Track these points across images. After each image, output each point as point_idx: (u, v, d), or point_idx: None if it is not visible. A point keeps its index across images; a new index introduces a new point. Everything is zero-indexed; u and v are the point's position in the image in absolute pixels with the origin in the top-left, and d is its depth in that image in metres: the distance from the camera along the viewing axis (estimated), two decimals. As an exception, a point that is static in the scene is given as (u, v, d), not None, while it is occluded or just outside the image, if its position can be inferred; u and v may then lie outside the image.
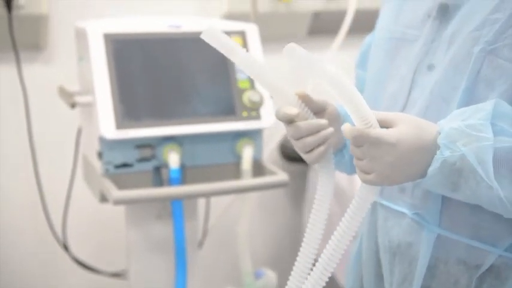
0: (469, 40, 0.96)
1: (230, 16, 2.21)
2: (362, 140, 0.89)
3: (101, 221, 2.15)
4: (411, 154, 0.90)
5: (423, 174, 0.92)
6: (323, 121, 0.97)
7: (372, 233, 1.15)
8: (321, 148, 0.98)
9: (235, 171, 1.72)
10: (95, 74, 1.59)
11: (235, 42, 0.92)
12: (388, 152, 0.89)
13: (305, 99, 0.98)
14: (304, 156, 1.02)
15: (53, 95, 1.97)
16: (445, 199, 0.99)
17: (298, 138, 0.99)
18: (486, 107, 0.91)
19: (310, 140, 0.97)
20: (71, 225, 2.06)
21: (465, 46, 0.96)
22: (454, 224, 1.00)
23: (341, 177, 2.30)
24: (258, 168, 1.74)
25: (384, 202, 1.10)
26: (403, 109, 1.06)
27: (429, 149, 0.91)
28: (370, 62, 1.18)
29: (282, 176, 1.68)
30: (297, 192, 2.51)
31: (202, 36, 0.91)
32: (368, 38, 1.26)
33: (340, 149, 1.12)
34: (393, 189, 1.07)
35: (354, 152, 0.92)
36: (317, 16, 2.41)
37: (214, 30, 0.91)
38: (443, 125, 0.92)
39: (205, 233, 2.19)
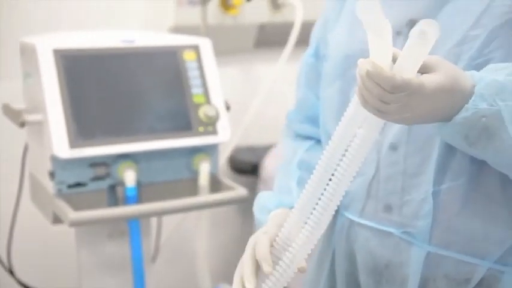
0: (451, 56, 0.96)
1: (177, 29, 2.18)
2: (404, 88, 0.82)
3: (48, 243, 2.08)
4: (444, 102, 0.86)
5: (446, 119, 0.89)
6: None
7: (348, 255, 1.12)
8: None
9: (192, 187, 1.70)
10: (45, 92, 1.53)
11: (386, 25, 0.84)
12: (424, 100, 0.84)
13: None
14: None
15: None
16: (435, 215, 0.99)
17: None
18: None
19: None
20: (16, 248, 1.97)
21: None
22: (445, 239, 0.99)
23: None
24: (215, 183, 1.72)
25: (365, 222, 1.08)
26: (383, 126, 1.05)
27: (462, 97, 0.87)
28: (329, 82, 1.14)
29: (240, 191, 1.67)
30: (246, 203, 2.51)
31: (357, 7, 0.84)
32: (307, 58, 1.23)
33: None
34: (377, 209, 1.05)
35: (382, 96, 0.83)
36: (263, 28, 2.42)
37: (371, 4, 0.84)
38: (483, 76, 0.88)
39: (157, 249, 2.15)
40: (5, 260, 1.95)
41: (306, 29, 2.25)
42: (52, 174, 1.57)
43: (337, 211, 1.17)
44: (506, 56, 0.92)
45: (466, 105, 0.87)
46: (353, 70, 1.08)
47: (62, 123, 1.53)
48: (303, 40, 2.27)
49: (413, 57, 0.84)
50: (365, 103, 0.87)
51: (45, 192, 1.64)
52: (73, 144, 1.53)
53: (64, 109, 1.54)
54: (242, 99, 2.35)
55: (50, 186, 1.59)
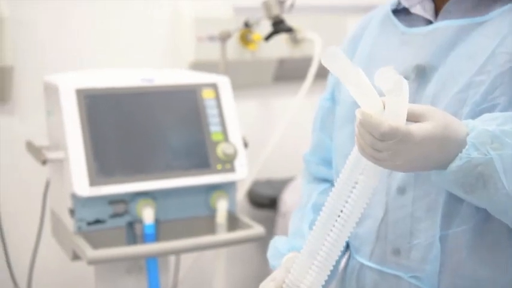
0: (456, 101, 0.97)
1: (197, 66, 2.22)
2: (393, 137, 0.85)
3: (68, 278, 2.09)
4: (435, 151, 0.88)
5: (439, 168, 0.90)
6: None
7: None
8: None
9: (210, 225, 1.71)
10: (67, 130, 1.56)
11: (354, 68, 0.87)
12: (413, 148, 0.86)
13: None
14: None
15: (17, 147, 1.93)
16: (443, 260, 0.99)
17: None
18: None
19: None
20: (36, 283, 1.99)
21: (452, 107, 0.97)
22: (453, 284, 0.99)
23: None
24: (232, 221, 1.73)
25: (374, 265, 1.08)
26: (390, 173, 1.06)
27: (454, 147, 0.88)
28: (340, 126, 1.15)
29: (257, 229, 1.67)
30: (264, 240, 2.51)
31: (322, 58, 0.87)
32: (323, 102, 1.25)
33: None
34: (386, 253, 1.05)
35: (374, 143, 0.86)
36: (282, 63, 2.44)
37: (335, 52, 0.87)
38: (475, 125, 0.90)
39: (175, 285, 2.15)
40: (25, 294, 1.98)
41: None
42: (72, 212, 1.59)
43: (349, 254, 1.17)
44: (510, 103, 0.93)
45: (459, 154, 0.88)
46: None
47: (83, 161, 1.55)
48: (322, 74, 2.29)
49: (398, 105, 0.86)
50: (362, 151, 0.90)
51: (65, 229, 1.66)
52: (93, 182, 1.55)
53: (85, 147, 1.56)
54: (261, 133, 2.36)
55: (69, 223, 1.61)
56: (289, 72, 2.44)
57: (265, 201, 2.41)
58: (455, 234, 0.98)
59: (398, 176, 1.03)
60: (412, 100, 1.03)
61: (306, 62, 2.27)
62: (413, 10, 1.07)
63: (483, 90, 0.95)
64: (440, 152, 0.88)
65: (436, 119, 0.87)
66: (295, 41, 2.38)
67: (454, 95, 0.97)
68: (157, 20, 2.25)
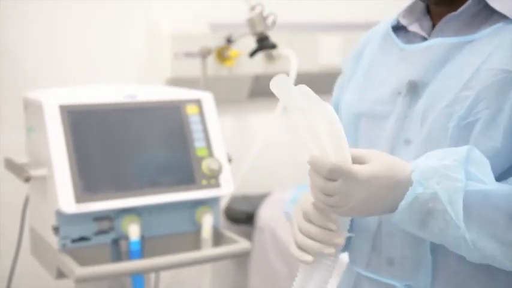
0: (443, 116, 1.01)
1: (174, 82, 2.22)
2: (338, 174, 0.90)
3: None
4: (383, 191, 0.92)
5: (393, 209, 0.94)
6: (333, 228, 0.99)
7: None
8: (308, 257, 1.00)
9: (195, 240, 1.70)
10: (51, 147, 1.55)
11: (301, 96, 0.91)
12: (360, 188, 0.91)
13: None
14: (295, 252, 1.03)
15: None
16: (435, 270, 1.02)
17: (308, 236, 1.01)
18: (460, 151, 0.95)
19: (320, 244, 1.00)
20: (13, 302, 1.95)
21: (439, 122, 1.01)
22: None
23: (287, 235, 2.33)
24: (217, 236, 1.73)
25: (370, 275, 1.10)
26: None
27: (401, 186, 0.92)
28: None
29: (243, 244, 1.68)
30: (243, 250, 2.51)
31: (272, 84, 0.91)
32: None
33: None
34: (381, 262, 1.08)
35: (326, 187, 0.92)
36: (257, 79, 2.46)
37: (284, 80, 0.91)
38: (418, 163, 0.94)
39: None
40: (1, 314, 1.93)
41: (300, 79, 2.30)
42: (56, 229, 1.57)
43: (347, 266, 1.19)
44: (493, 117, 0.97)
45: (407, 193, 0.92)
46: (361, 130, 1.13)
47: (68, 178, 1.54)
48: (297, 91, 2.32)
49: (338, 143, 0.91)
50: (316, 201, 0.95)
51: (47, 247, 1.64)
52: (79, 199, 1.53)
53: (70, 164, 1.55)
54: (237, 149, 2.37)
55: (53, 241, 1.59)
56: (265, 89, 2.44)
57: (242, 216, 2.42)
58: (445, 247, 1.01)
59: None
60: (404, 115, 1.07)
61: (281, 78, 2.30)
62: (410, 28, 1.11)
63: (468, 105, 0.99)
64: (389, 191, 0.93)
65: (379, 160, 0.93)
66: (271, 58, 2.40)
67: (441, 110, 1.01)
68: (134, 36, 2.24)
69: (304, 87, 0.89)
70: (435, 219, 0.92)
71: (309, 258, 1.00)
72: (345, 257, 1.18)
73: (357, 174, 0.90)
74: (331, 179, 0.91)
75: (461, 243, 0.92)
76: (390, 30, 1.15)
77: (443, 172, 0.92)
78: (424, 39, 1.09)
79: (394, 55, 1.12)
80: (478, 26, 1.03)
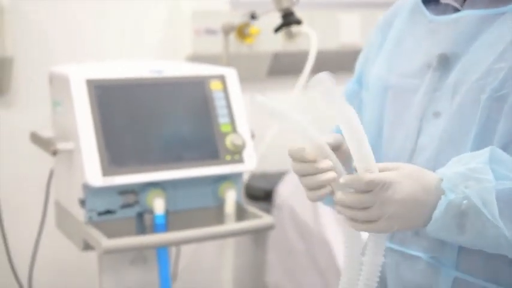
0: (475, 89, 1.00)
1: (194, 59, 2.22)
2: (374, 185, 0.91)
3: (70, 271, 2.08)
4: (418, 192, 0.93)
5: (428, 219, 0.95)
6: (327, 164, 0.99)
7: (380, 278, 1.16)
8: (323, 190, 0.99)
9: (218, 215, 1.72)
10: (78, 121, 1.56)
11: (281, 108, 0.95)
12: (397, 190, 0.92)
13: (322, 147, 1.00)
14: (307, 193, 1.02)
15: (17, 139, 1.91)
16: (460, 250, 1.02)
17: (302, 176, 1.00)
18: (483, 152, 0.96)
19: (314, 179, 0.99)
20: (37, 275, 1.98)
21: (471, 94, 1.01)
22: (472, 267, 1.02)
23: (305, 213, 2.35)
24: (240, 211, 1.74)
25: (395, 246, 1.11)
26: (412, 155, 1.09)
27: (433, 193, 0.93)
28: (367, 109, 1.20)
29: (266, 219, 1.69)
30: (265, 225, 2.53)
31: (251, 102, 0.95)
32: (350, 85, 1.28)
33: None
34: (406, 233, 1.09)
35: (361, 200, 0.93)
36: (277, 57, 2.46)
37: (262, 101, 0.95)
38: (444, 171, 0.95)
39: (175, 275, 2.16)
40: (26, 287, 1.96)
41: (320, 57, 2.31)
42: (83, 202, 1.59)
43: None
44: None
45: (439, 202, 0.93)
46: (389, 102, 1.13)
47: (95, 152, 1.55)
48: (318, 69, 2.32)
49: (365, 154, 0.93)
50: (354, 225, 0.95)
51: (74, 220, 1.66)
52: (105, 172, 1.55)
53: (96, 138, 1.56)
54: (255, 127, 2.38)
55: (79, 213, 1.61)
56: (284, 67, 2.47)
57: (261, 194, 2.43)
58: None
59: (419, 161, 1.06)
60: (434, 88, 1.07)
61: (301, 56, 2.30)
62: (442, 0, 1.11)
63: (501, 77, 0.98)
64: (423, 195, 0.94)
65: (407, 167, 0.95)
66: (291, 36, 2.40)
67: (473, 82, 1.01)
68: (155, 13, 2.25)
69: (329, 89, 0.90)
70: (472, 223, 0.92)
71: (327, 189, 0.99)
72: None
73: (390, 178, 0.92)
74: (366, 192, 0.92)
75: (501, 242, 0.92)
76: (420, 1, 1.15)
77: (471, 175, 0.93)
78: (456, 10, 1.09)
79: (423, 27, 1.12)
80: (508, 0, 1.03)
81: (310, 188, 1.00)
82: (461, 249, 1.03)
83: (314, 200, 1.02)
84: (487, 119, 0.99)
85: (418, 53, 1.11)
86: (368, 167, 0.93)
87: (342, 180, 0.94)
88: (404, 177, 0.93)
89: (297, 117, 0.95)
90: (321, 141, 0.98)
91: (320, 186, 0.99)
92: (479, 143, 0.99)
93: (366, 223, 0.94)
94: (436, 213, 0.93)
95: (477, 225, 0.93)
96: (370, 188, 0.92)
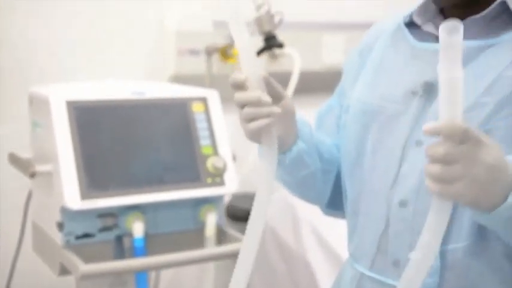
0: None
1: (177, 79, 2.22)
2: (470, 136, 0.84)
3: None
4: (502, 164, 0.87)
5: (501, 200, 0.88)
6: (268, 98, 0.97)
7: None
8: (263, 120, 0.97)
9: (198, 238, 1.70)
10: (58, 143, 1.54)
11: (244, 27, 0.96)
12: (488, 152, 0.85)
13: (266, 80, 0.99)
14: (245, 126, 1.00)
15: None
16: (443, 273, 1.01)
17: (242, 106, 0.99)
18: None
19: (253, 109, 0.97)
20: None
21: None
22: None
23: (287, 234, 2.34)
24: (221, 235, 1.73)
25: (375, 276, 1.10)
26: (394, 183, 1.08)
27: (507, 179, 0.88)
28: (347, 134, 1.19)
29: (247, 242, 1.67)
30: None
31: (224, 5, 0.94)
32: (330, 102, 1.29)
33: (283, 151, 1.10)
34: (386, 264, 1.08)
35: (450, 152, 0.85)
36: (260, 78, 2.46)
37: (236, 7, 0.95)
38: None
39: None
40: (2, 309, 1.92)
41: (304, 78, 2.31)
42: (61, 225, 1.57)
43: (348, 263, 1.20)
44: None
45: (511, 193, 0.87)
46: (370, 125, 1.13)
47: (74, 174, 1.53)
48: (301, 89, 2.33)
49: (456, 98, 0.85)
50: (428, 182, 0.87)
51: (51, 243, 1.63)
52: (84, 195, 1.53)
53: (76, 160, 1.54)
54: (239, 147, 2.37)
55: (57, 237, 1.58)
56: (268, 87, 2.46)
57: (243, 214, 2.41)
58: (453, 250, 1.01)
59: (401, 190, 1.06)
60: (418, 115, 1.07)
61: (284, 76, 2.30)
62: (425, 28, 1.10)
63: (488, 112, 0.98)
64: (505, 168, 0.87)
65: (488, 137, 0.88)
66: (274, 57, 2.40)
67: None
68: (139, 33, 2.24)
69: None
70: None
71: (268, 119, 0.97)
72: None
73: (484, 137, 0.86)
74: (458, 144, 0.84)
75: None
76: (403, 25, 1.14)
77: None
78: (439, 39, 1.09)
79: (406, 52, 1.12)
80: (498, 31, 1.03)
81: (248, 119, 0.98)
82: (442, 279, 1.02)
83: (252, 133, 0.99)
84: None
85: (402, 78, 1.11)
86: (459, 117, 0.85)
87: (430, 125, 0.85)
88: (495, 145, 0.86)
89: (249, 46, 0.95)
90: (259, 71, 0.97)
91: (258, 118, 0.97)
92: None
93: (443, 182, 0.86)
94: (502, 207, 0.87)
95: None
96: (465, 138, 0.84)
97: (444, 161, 0.85)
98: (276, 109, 0.97)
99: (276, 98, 1.01)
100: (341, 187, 1.22)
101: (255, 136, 1.00)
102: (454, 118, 0.85)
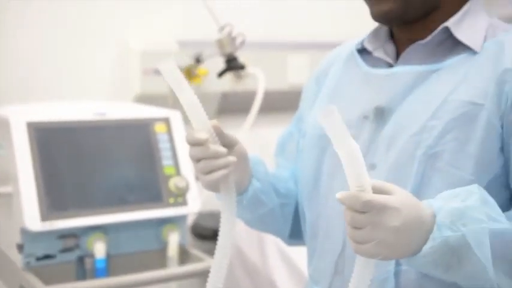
0: (411, 143, 1.03)
1: (142, 98, 2.22)
2: (368, 206, 0.87)
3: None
4: (413, 222, 0.89)
5: (416, 251, 0.91)
6: (224, 149, 0.99)
7: None
8: (221, 172, 0.99)
9: (161, 258, 1.71)
10: (18, 164, 1.54)
11: (184, 80, 0.97)
12: (393, 217, 0.87)
13: (217, 130, 1.01)
14: (203, 178, 1.02)
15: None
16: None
17: (199, 160, 1.00)
18: (474, 190, 0.95)
19: (211, 162, 0.99)
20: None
21: (407, 149, 1.04)
22: None
23: (253, 252, 2.35)
24: (183, 254, 1.73)
25: None
26: None
27: (426, 223, 0.90)
28: (303, 157, 1.22)
29: (209, 262, 1.68)
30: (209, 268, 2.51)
31: (159, 67, 0.95)
32: (290, 128, 1.32)
33: (240, 192, 1.12)
34: (344, 285, 1.08)
35: (354, 220, 0.88)
36: (225, 97, 2.48)
37: (170, 65, 0.95)
38: (441, 204, 0.92)
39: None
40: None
41: (269, 97, 2.34)
42: (21, 247, 1.56)
43: (308, 285, 1.21)
44: (461, 148, 1.00)
45: (431, 235, 0.90)
46: (326, 149, 1.15)
47: (34, 195, 1.53)
48: (266, 108, 2.36)
49: (361, 173, 0.88)
50: (349, 239, 0.90)
51: (11, 265, 1.62)
52: (44, 217, 1.53)
53: (36, 182, 1.54)
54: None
55: (17, 258, 1.58)
56: (233, 106, 2.49)
57: (209, 233, 2.42)
58: (407, 270, 1.03)
59: None
60: (370, 140, 1.10)
61: (249, 96, 2.32)
62: (375, 54, 1.14)
63: (436, 135, 1.01)
64: (417, 226, 0.89)
65: (403, 193, 0.90)
66: (239, 76, 2.43)
67: (409, 138, 1.04)
68: (103, 53, 2.24)
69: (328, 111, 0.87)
70: (460, 262, 0.91)
71: (222, 171, 0.98)
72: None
73: (387, 203, 0.87)
74: (362, 212, 0.88)
75: (486, 284, 0.92)
76: (355, 52, 1.18)
77: (469, 213, 0.91)
78: (389, 64, 1.12)
79: (359, 77, 1.15)
80: (443, 55, 1.07)
81: (205, 172, 0.99)
82: None
83: (210, 185, 1.01)
84: (422, 175, 1.02)
85: (355, 103, 1.14)
86: (363, 186, 0.88)
87: (338, 196, 0.89)
88: (403, 204, 0.88)
89: (194, 98, 0.97)
90: (209, 124, 0.99)
91: (215, 170, 0.98)
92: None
93: (355, 243, 0.89)
94: (427, 248, 0.90)
95: (465, 265, 0.91)
96: (366, 210, 0.87)
97: (351, 225, 0.89)
98: (232, 159, 0.99)
99: (229, 145, 1.03)
100: (300, 218, 1.24)
101: (214, 186, 1.02)
102: (360, 187, 0.88)
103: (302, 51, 2.61)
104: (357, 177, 0.87)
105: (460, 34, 1.05)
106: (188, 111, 0.98)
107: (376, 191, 0.89)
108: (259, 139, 2.19)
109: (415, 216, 0.89)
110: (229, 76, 2.40)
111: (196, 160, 1.00)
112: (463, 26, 1.06)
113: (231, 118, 2.47)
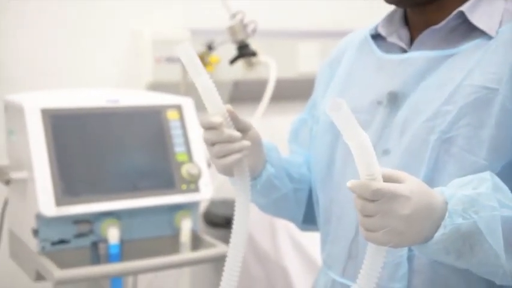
0: (424, 129, 1.03)
1: (154, 87, 2.24)
2: (378, 195, 0.87)
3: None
4: (423, 210, 0.89)
5: (428, 238, 0.91)
6: (238, 133, 1.00)
7: None
8: (235, 155, 0.99)
9: (173, 244, 1.72)
10: (32, 150, 1.56)
11: (200, 64, 0.98)
12: (403, 205, 0.87)
13: (232, 115, 1.02)
14: (217, 163, 1.02)
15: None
16: (410, 278, 1.04)
17: (213, 144, 1.01)
18: (487, 177, 0.95)
19: (225, 146, 0.99)
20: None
21: (421, 134, 1.04)
22: None
23: (264, 240, 2.36)
24: (195, 240, 1.75)
25: (346, 282, 1.12)
26: None
27: (438, 210, 0.90)
28: (317, 144, 1.22)
29: (221, 248, 1.70)
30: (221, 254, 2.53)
31: (176, 50, 0.96)
32: (303, 115, 1.32)
33: (254, 177, 1.13)
34: (357, 270, 1.08)
35: (365, 208, 0.88)
36: (237, 85, 2.49)
37: (188, 48, 0.96)
38: (452, 192, 0.93)
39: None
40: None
41: (280, 85, 2.34)
42: (36, 232, 1.58)
43: (322, 270, 1.22)
44: (475, 133, 1.00)
45: (442, 223, 0.90)
46: (339, 135, 1.16)
47: (48, 181, 1.55)
48: (277, 96, 2.36)
49: (372, 162, 0.87)
50: (360, 226, 0.91)
51: (27, 250, 1.65)
52: (59, 202, 1.55)
53: (50, 167, 1.56)
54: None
55: (33, 243, 1.60)
56: (244, 94, 2.49)
57: (221, 220, 2.44)
58: (419, 255, 1.03)
59: None
60: (383, 125, 1.10)
61: (261, 84, 2.33)
62: (389, 39, 1.14)
63: (449, 120, 1.01)
64: (428, 213, 0.89)
65: (414, 181, 0.90)
66: (251, 64, 2.43)
67: (422, 123, 1.04)
68: (116, 41, 2.26)
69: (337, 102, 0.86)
70: (472, 249, 0.91)
71: (236, 156, 0.99)
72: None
73: (396, 191, 0.87)
74: (372, 200, 0.88)
75: (498, 271, 0.92)
76: (369, 37, 1.18)
77: (480, 201, 0.91)
78: (403, 50, 1.12)
79: (372, 63, 1.15)
80: (458, 41, 1.06)
81: (220, 156, 1.00)
82: (410, 284, 1.04)
83: (224, 169, 1.01)
84: (436, 160, 1.02)
85: (368, 89, 1.14)
86: (374, 174, 0.87)
87: (348, 184, 0.89)
88: (413, 192, 0.88)
89: (210, 82, 0.96)
90: (224, 108, 0.99)
91: (229, 154, 0.99)
92: (428, 183, 0.98)
93: (365, 230, 0.90)
94: (438, 236, 0.91)
95: (477, 252, 0.92)
96: (376, 198, 0.87)
97: (362, 213, 0.89)
98: (246, 143, 1.00)
99: (243, 130, 1.03)
100: (314, 203, 1.25)
101: (228, 171, 1.03)
102: (370, 176, 0.87)
103: (313, 39, 2.61)
104: (367, 166, 0.88)
105: (475, 19, 1.05)
106: (203, 95, 0.98)
107: (387, 179, 0.89)
108: (269, 127, 2.19)
109: (426, 203, 0.89)
110: (240, 64, 2.41)
111: (211, 144, 1.00)
112: (478, 10, 1.05)
113: (242, 106, 2.48)
